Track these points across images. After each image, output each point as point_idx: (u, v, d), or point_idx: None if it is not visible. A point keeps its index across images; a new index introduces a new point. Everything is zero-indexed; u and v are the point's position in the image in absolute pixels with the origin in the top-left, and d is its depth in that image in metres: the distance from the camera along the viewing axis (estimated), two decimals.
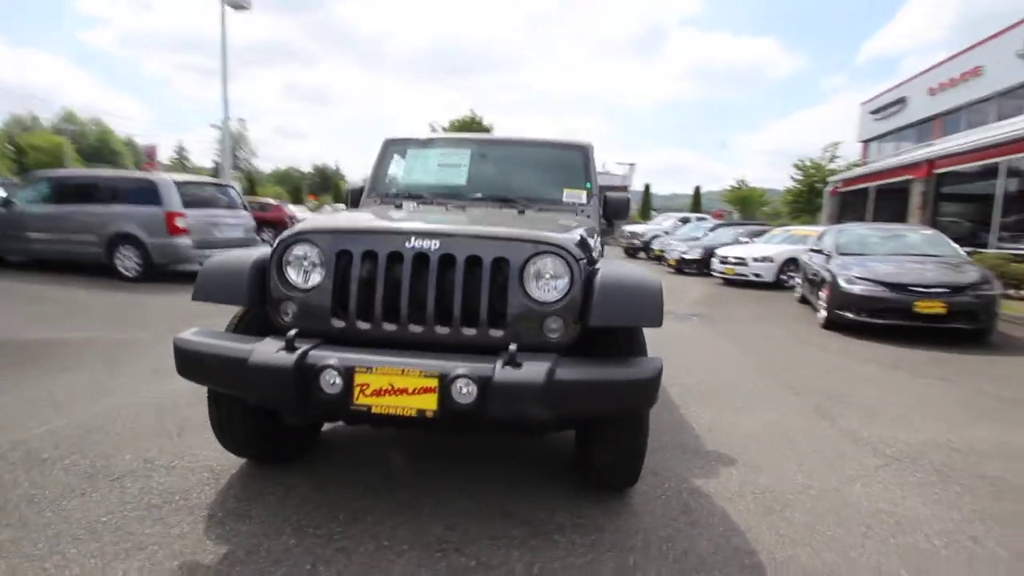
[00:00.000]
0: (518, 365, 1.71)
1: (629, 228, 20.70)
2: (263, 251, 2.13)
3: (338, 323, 1.92)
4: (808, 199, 23.64)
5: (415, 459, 2.59)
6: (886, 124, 21.96)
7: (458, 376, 1.69)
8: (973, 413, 3.65)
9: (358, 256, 1.93)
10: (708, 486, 2.38)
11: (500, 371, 1.68)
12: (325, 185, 62.91)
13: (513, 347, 1.76)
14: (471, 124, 25.31)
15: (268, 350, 1.76)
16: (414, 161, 3.39)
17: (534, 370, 1.69)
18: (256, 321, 2.17)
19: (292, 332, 1.81)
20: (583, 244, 2.07)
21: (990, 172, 11.75)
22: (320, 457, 2.51)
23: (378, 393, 1.73)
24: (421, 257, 1.91)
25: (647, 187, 44.96)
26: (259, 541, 1.84)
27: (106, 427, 2.73)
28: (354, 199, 3.41)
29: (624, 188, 41.67)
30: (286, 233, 2.04)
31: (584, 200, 3.19)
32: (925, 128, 19.48)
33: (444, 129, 25.60)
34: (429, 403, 1.71)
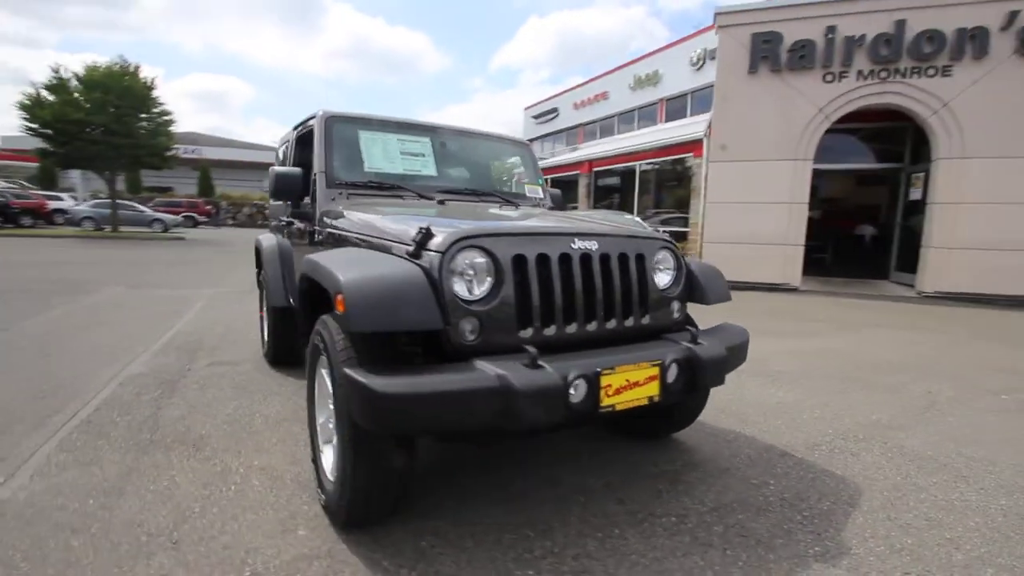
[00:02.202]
0: (701, 344, 2.05)
1: None
2: (404, 261, 1.75)
3: (526, 333, 1.82)
4: None
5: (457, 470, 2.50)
6: (545, 128, 27.62)
7: (672, 360, 1.92)
8: None
9: (533, 260, 1.85)
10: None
11: (701, 350, 1.99)
12: None
13: (693, 329, 2.08)
14: (122, 75, 19.59)
15: (525, 373, 1.58)
16: (371, 146, 2.95)
17: (715, 344, 2.07)
18: (377, 345, 1.78)
19: (533, 349, 1.66)
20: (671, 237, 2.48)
21: (630, 171, 16.62)
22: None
23: (619, 391, 1.80)
24: (585, 257, 1.98)
25: None
26: None
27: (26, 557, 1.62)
28: (293, 188, 2.76)
29: None
30: (446, 239, 1.74)
31: (541, 195, 3.47)
32: (573, 134, 25.47)
33: (77, 76, 19.17)
34: (655, 390, 1.89)
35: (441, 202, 2.61)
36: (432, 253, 1.73)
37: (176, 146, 21.70)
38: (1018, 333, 6.17)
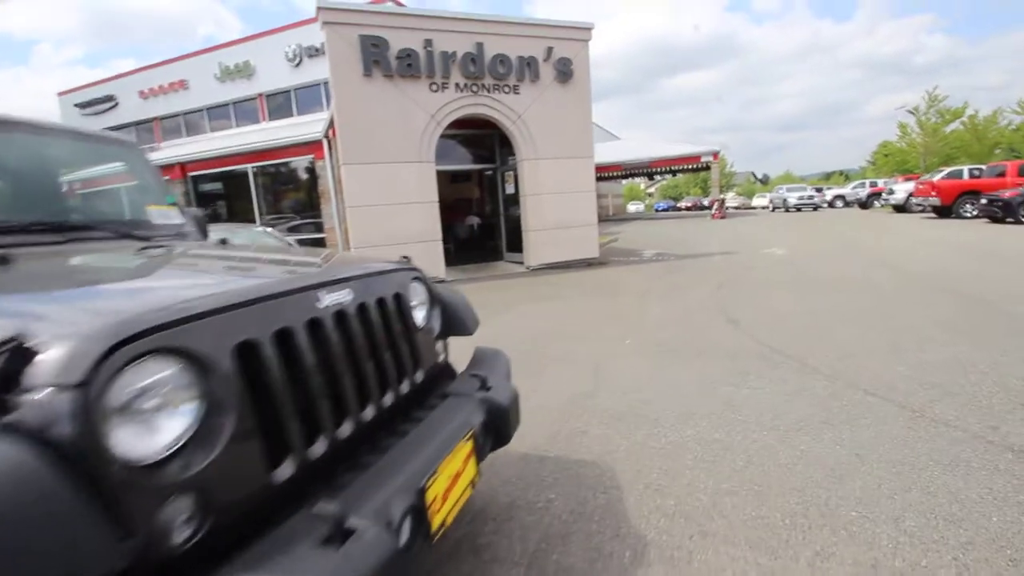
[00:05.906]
0: (492, 388, 1.71)
1: None
2: None
3: (282, 471, 1.07)
4: None
5: None
6: (99, 121, 21.19)
7: (480, 423, 1.52)
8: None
9: (269, 344, 1.11)
10: None
11: (497, 395, 1.64)
12: None
13: (481, 374, 1.69)
14: None
15: (344, 558, 0.87)
16: None
17: (504, 383, 1.76)
18: None
19: (331, 507, 0.92)
20: None
21: (242, 174, 14.47)
22: None
23: (445, 498, 1.26)
24: (340, 316, 1.34)
25: None
26: None
27: None
28: None
29: None
30: (87, 350, 0.80)
31: (180, 219, 2.36)
32: (146, 129, 20.43)
33: None
34: (474, 469, 1.44)
35: (2, 259, 1.33)
36: (48, 393, 0.75)
37: None
38: (599, 287, 8.34)
